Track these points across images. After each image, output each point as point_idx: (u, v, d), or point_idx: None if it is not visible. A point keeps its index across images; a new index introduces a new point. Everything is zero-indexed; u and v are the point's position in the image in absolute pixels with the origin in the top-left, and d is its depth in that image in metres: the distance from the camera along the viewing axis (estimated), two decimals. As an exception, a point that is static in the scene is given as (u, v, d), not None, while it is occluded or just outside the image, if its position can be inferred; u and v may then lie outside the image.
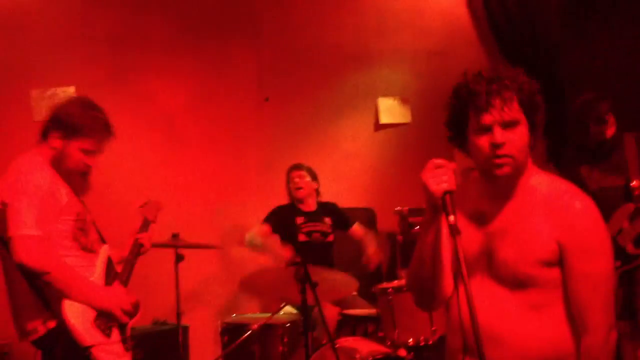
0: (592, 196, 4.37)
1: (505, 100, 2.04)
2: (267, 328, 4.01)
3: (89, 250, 3.05)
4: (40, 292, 2.85)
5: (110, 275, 3.11)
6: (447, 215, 1.96)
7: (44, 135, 3.06)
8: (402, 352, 3.87)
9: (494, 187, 2.14)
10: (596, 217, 2.13)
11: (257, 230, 5.08)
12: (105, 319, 2.95)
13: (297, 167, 5.32)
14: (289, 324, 4.14)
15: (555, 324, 2.13)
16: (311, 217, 5.15)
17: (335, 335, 4.17)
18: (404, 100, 6.28)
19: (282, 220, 5.13)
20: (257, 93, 5.89)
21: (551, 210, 2.11)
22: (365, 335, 4.28)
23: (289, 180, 5.28)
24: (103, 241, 3.19)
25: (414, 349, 3.92)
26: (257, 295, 5.40)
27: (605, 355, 2.08)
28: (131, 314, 3.12)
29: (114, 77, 5.41)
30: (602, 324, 2.07)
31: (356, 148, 6.23)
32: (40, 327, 2.87)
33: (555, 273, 2.11)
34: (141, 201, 3.64)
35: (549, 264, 2.10)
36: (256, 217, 5.71)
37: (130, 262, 3.24)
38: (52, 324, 2.86)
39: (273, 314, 4.07)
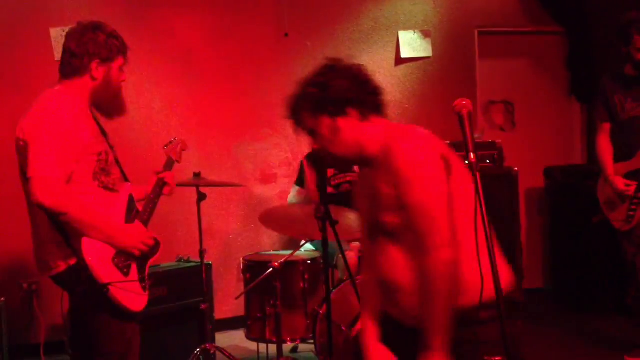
0: (624, 125, 4.43)
1: (298, 125, 2.48)
2: (289, 265, 4.05)
3: (111, 189, 3.01)
4: (62, 229, 2.85)
5: (132, 214, 3.09)
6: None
7: (76, 71, 2.98)
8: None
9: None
10: (407, 151, 2.25)
11: (294, 193, 5.13)
12: (123, 257, 2.95)
13: None
14: (310, 261, 4.18)
15: None
16: (341, 166, 5.02)
17: (356, 273, 4.21)
18: (425, 34, 6.16)
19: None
20: (277, 28, 5.81)
21: (384, 161, 2.30)
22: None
23: None
24: (126, 179, 3.16)
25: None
26: (279, 233, 5.45)
27: (436, 272, 2.19)
28: (150, 253, 3.11)
29: (132, 13, 5.37)
30: (428, 245, 2.20)
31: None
32: (61, 262, 2.88)
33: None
34: (160, 138, 3.61)
35: (394, 208, 2.28)
36: (276, 155, 5.74)
37: (152, 201, 3.20)
38: (72, 261, 2.86)
39: (294, 252, 4.12)
